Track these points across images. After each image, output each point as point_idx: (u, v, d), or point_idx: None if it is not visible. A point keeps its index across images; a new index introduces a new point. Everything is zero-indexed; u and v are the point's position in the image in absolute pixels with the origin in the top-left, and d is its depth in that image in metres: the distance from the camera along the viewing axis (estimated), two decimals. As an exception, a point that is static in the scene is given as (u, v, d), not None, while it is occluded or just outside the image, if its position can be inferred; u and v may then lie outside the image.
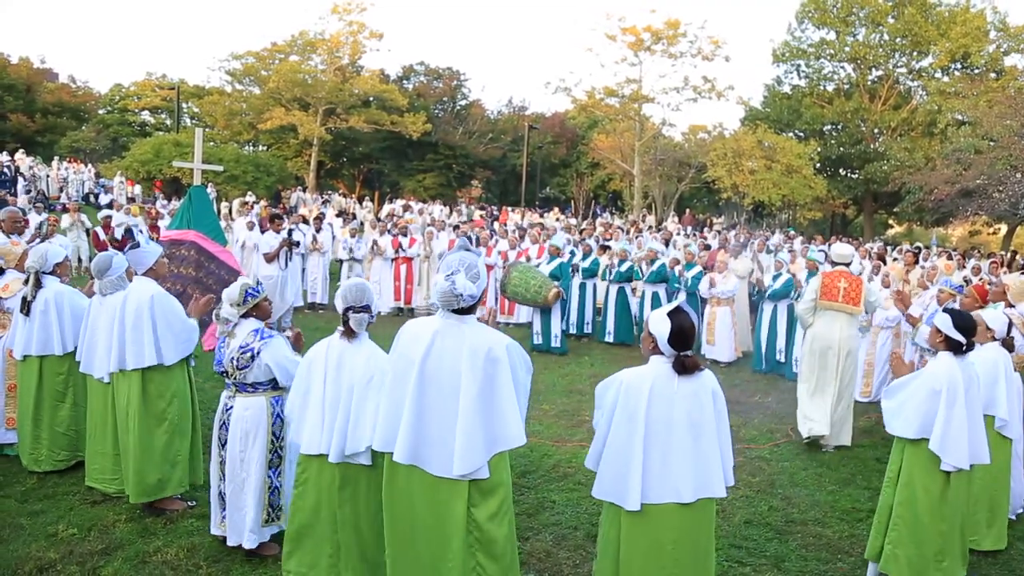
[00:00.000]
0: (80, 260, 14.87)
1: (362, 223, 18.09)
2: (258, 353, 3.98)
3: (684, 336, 3.12)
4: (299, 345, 4.26)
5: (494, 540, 3.13)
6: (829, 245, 18.31)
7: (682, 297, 10.81)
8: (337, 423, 3.54)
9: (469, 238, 12.44)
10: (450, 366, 3.10)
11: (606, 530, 3.34)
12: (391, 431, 3.18)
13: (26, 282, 5.23)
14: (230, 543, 4.11)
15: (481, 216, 25.51)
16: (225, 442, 4.09)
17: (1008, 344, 4.53)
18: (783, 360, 9.89)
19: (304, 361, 3.76)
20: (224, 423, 4.11)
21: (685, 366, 3.12)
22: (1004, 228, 33.74)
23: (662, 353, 3.19)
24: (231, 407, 4.09)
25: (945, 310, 4.22)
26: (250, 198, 24.83)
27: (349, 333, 3.64)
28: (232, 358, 4.02)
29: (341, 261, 13.59)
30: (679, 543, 3.15)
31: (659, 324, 3.16)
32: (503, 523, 3.17)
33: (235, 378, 4.05)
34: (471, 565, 3.11)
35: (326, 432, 3.58)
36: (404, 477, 3.18)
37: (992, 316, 4.79)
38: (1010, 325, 4.64)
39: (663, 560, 3.15)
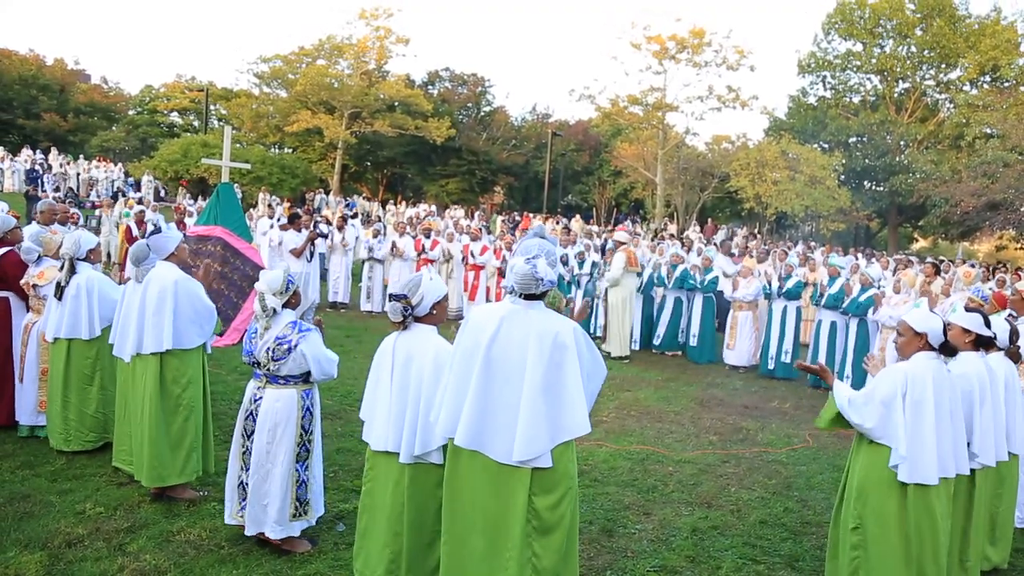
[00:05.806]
0: (109, 255, 15.17)
1: (384, 224, 18.29)
2: (295, 346, 3.91)
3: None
4: (321, 333, 4.25)
5: (553, 530, 3.06)
6: (856, 255, 18.23)
7: (698, 301, 11.00)
8: (407, 422, 3.42)
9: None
10: (516, 351, 3.04)
11: (880, 506, 3.59)
12: (454, 416, 3.12)
13: (61, 268, 5.39)
14: (248, 533, 4.06)
15: (503, 222, 25.58)
16: (251, 432, 4.00)
17: (1014, 354, 4.44)
18: (789, 361, 10.13)
19: (376, 357, 3.68)
20: (251, 413, 4.02)
21: (951, 349, 3.66)
22: (1032, 243, 33.23)
23: (932, 349, 3.61)
24: (260, 398, 4.00)
25: (968, 309, 4.23)
26: (273, 199, 25.13)
27: (396, 323, 3.58)
28: (268, 348, 3.93)
29: (364, 261, 13.75)
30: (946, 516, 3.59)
31: (930, 322, 3.63)
32: (565, 515, 3.08)
33: (268, 369, 3.97)
34: (527, 555, 3.03)
35: (393, 429, 3.47)
36: (467, 463, 3.12)
37: (995, 322, 4.71)
38: (1015, 334, 4.54)
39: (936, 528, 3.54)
